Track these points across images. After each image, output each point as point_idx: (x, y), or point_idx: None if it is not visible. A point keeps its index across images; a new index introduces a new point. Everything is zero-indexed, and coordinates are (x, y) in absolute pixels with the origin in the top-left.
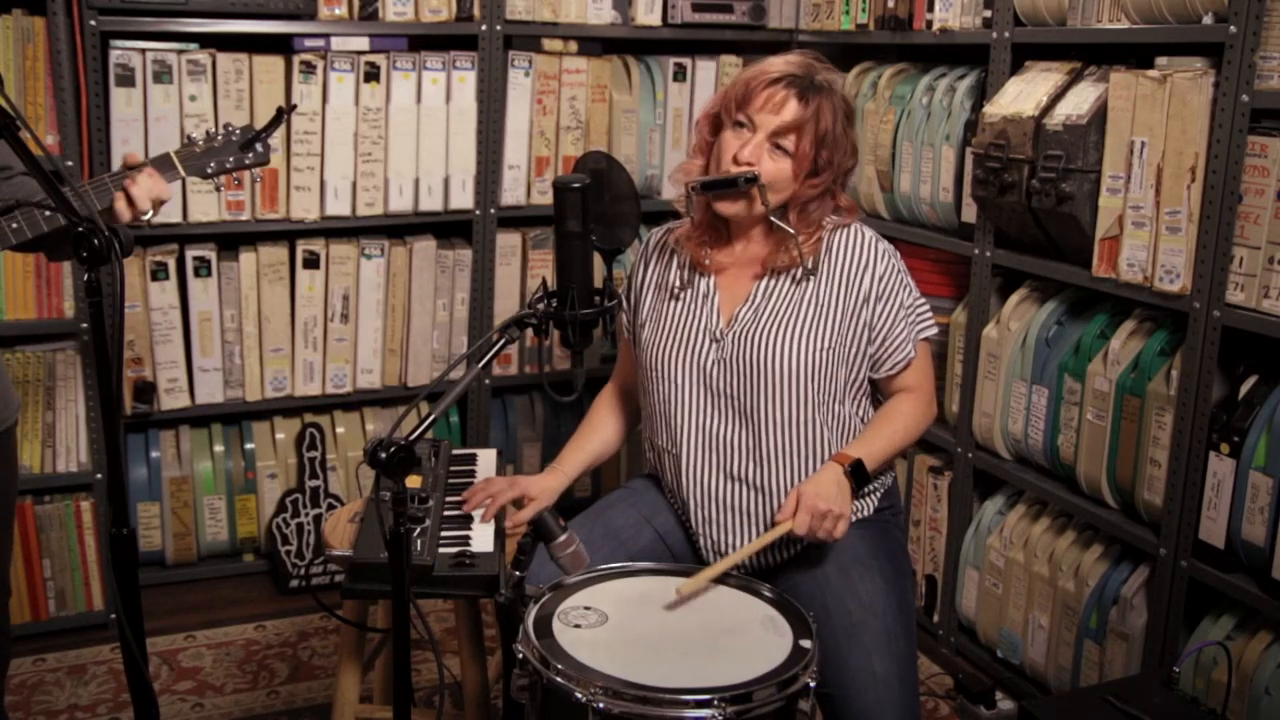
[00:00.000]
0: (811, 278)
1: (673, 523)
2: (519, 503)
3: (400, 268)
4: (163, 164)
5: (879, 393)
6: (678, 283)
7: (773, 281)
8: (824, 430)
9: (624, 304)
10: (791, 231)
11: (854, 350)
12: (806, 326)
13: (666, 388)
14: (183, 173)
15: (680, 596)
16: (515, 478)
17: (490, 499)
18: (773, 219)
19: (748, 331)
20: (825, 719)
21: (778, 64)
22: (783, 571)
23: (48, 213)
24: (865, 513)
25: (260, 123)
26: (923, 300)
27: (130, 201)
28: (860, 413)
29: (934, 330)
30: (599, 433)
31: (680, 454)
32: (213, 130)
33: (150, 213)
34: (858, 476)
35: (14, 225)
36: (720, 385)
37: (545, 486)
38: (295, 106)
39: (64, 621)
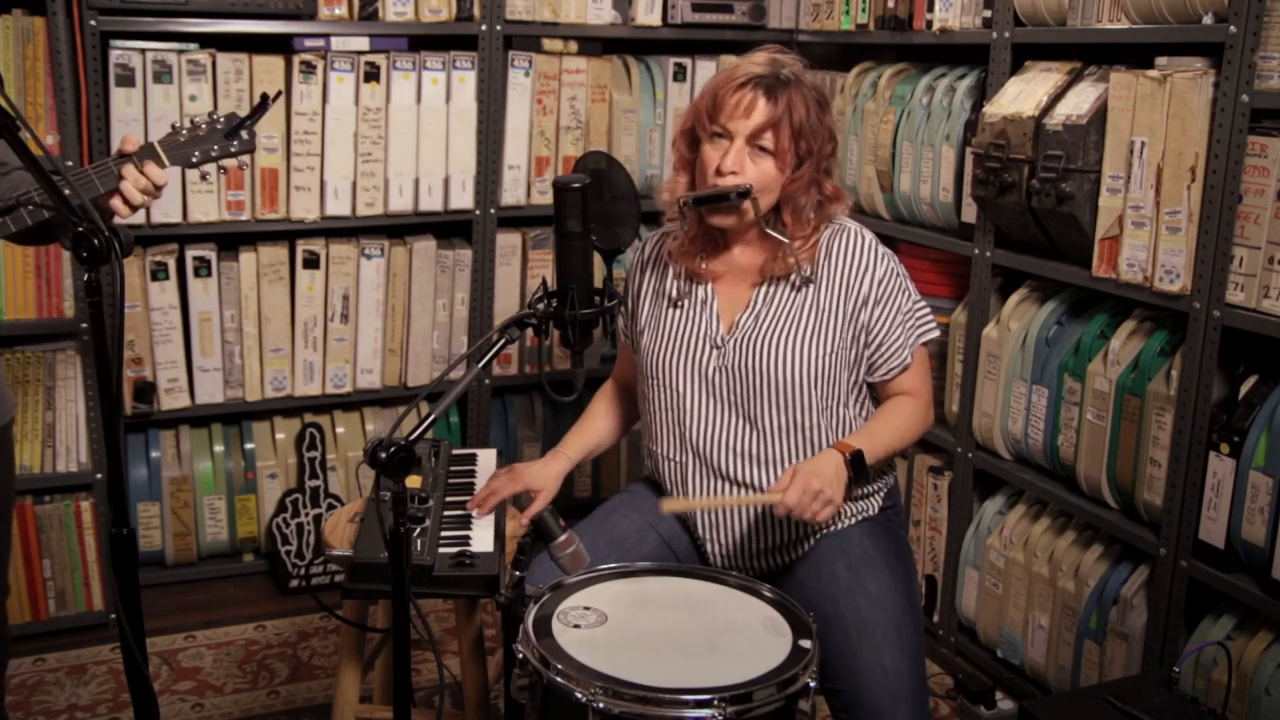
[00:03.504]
0: (810, 284)
1: (677, 528)
2: (520, 502)
3: (400, 268)
4: (147, 154)
5: (876, 397)
6: (675, 290)
7: (772, 288)
8: (827, 434)
9: (623, 309)
10: (786, 241)
11: (854, 353)
12: (808, 333)
13: (668, 395)
14: (167, 162)
15: (664, 511)
16: (515, 469)
17: (492, 494)
18: (767, 230)
19: (749, 338)
20: (837, 716)
21: (742, 68)
22: (791, 571)
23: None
24: (870, 512)
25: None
26: (922, 303)
27: (125, 199)
28: (864, 414)
29: (935, 334)
30: (598, 423)
31: (686, 461)
32: (197, 119)
33: (149, 199)
34: (856, 468)
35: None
36: (723, 391)
37: (548, 474)
38: (280, 93)
39: (64, 621)
